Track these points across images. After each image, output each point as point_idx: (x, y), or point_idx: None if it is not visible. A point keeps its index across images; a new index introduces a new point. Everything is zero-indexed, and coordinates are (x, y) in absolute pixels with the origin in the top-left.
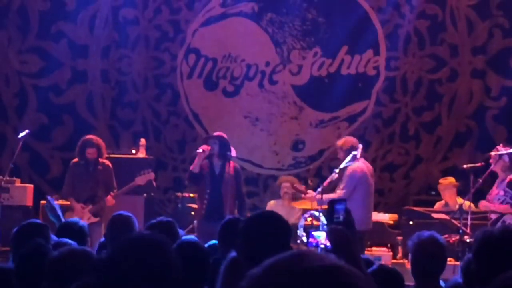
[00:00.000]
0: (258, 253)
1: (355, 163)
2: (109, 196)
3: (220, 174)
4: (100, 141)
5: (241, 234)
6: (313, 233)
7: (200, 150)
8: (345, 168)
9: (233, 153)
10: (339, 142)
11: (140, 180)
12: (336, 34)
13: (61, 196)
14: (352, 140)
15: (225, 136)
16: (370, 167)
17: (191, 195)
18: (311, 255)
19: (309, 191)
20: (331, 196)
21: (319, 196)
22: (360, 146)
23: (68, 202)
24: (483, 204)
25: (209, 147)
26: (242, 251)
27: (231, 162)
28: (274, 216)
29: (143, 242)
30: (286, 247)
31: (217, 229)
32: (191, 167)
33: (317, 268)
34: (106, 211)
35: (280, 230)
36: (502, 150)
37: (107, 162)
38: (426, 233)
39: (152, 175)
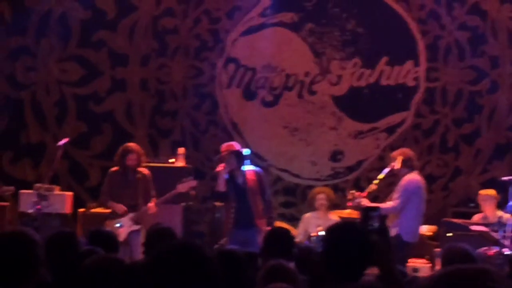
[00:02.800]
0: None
1: (411, 174)
2: (151, 204)
3: (243, 183)
4: (140, 148)
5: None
6: None
7: (218, 169)
8: (389, 178)
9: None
10: (395, 153)
11: (182, 187)
12: (376, 44)
13: (100, 203)
14: (404, 151)
15: (235, 147)
16: (424, 180)
17: None
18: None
19: (363, 199)
20: (382, 206)
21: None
22: (400, 157)
23: (108, 210)
24: None
25: (225, 165)
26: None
27: (250, 167)
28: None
29: (181, 249)
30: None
31: (249, 236)
32: (216, 188)
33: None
34: (147, 219)
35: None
36: None
37: (146, 171)
38: (457, 244)
39: (194, 183)
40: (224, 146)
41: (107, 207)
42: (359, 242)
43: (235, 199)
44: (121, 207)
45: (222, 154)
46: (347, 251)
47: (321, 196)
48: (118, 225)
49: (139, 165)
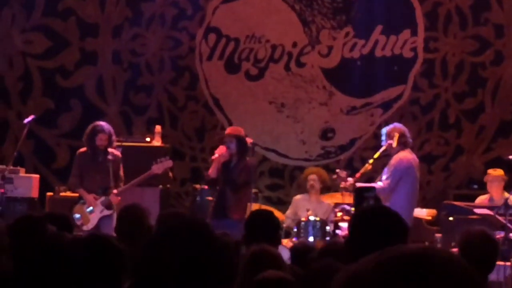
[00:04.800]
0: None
1: (402, 152)
2: (114, 191)
3: (233, 171)
4: (110, 127)
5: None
6: (340, 224)
7: (216, 155)
8: (384, 157)
9: (250, 140)
10: (387, 129)
11: (157, 168)
12: (370, 12)
13: (69, 188)
14: (399, 127)
15: (240, 130)
16: (417, 158)
17: None
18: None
19: (349, 178)
20: (372, 186)
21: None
22: (396, 134)
23: (77, 194)
24: None
25: (226, 150)
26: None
27: (248, 159)
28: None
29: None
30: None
31: (222, 228)
32: (208, 172)
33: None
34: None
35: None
36: None
37: (117, 152)
38: (476, 228)
39: (170, 163)
40: (230, 128)
41: (76, 193)
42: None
43: (221, 184)
44: (91, 199)
45: (225, 134)
46: (377, 238)
47: (313, 177)
48: (88, 210)
49: (110, 146)
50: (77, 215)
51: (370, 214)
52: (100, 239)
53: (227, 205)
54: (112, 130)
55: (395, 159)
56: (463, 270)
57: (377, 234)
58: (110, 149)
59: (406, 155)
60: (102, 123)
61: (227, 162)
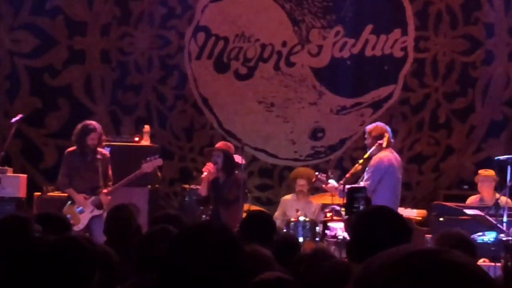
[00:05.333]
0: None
1: (382, 152)
2: (105, 191)
3: (222, 188)
4: (100, 127)
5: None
6: (330, 224)
7: (205, 173)
8: (369, 158)
9: (239, 160)
10: (369, 128)
11: (147, 166)
12: (360, 11)
13: (57, 188)
14: (383, 127)
15: (230, 146)
16: (399, 158)
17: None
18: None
19: (330, 181)
20: (363, 186)
21: (341, 187)
22: (386, 134)
23: (66, 194)
24: None
25: (213, 167)
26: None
27: (237, 173)
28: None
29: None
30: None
31: None
32: (199, 190)
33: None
34: (109, 203)
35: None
36: None
37: (105, 151)
38: (452, 230)
39: (159, 161)
40: (219, 143)
41: (65, 193)
42: (391, 228)
43: (213, 202)
44: (81, 199)
45: (213, 148)
46: (379, 239)
47: (302, 182)
48: (78, 210)
49: (99, 145)
50: (67, 215)
51: (374, 215)
52: (68, 239)
53: (222, 223)
54: (102, 129)
55: (375, 159)
56: (473, 270)
57: (381, 235)
58: (99, 149)
59: (387, 155)
60: (93, 122)
61: (216, 179)
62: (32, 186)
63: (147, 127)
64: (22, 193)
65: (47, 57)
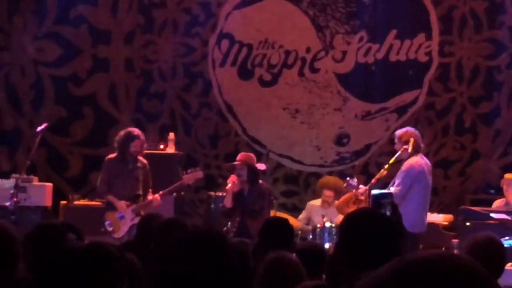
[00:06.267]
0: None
1: (413, 158)
2: (157, 195)
3: (247, 199)
4: (144, 135)
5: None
6: None
7: (229, 185)
8: (398, 163)
9: (262, 167)
10: (398, 133)
11: (188, 179)
12: (384, 16)
13: (97, 194)
14: (412, 132)
15: (251, 157)
16: (429, 163)
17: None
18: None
19: (361, 186)
20: (390, 192)
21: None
22: (412, 139)
23: (103, 201)
24: None
25: (237, 179)
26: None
27: (261, 183)
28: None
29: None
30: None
31: None
32: (224, 202)
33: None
34: (149, 211)
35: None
36: None
37: (145, 160)
38: (482, 234)
39: (200, 174)
40: (241, 155)
41: (105, 199)
42: (379, 230)
43: (239, 214)
44: (122, 205)
45: (235, 162)
46: (366, 240)
47: (329, 193)
48: (119, 216)
49: (141, 153)
50: (108, 222)
51: (360, 219)
52: (96, 247)
53: (250, 233)
54: (144, 137)
55: (406, 165)
56: (481, 276)
57: (366, 239)
58: (139, 157)
59: (418, 161)
60: (136, 129)
61: (241, 191)
62: (57, 194)
63: (171, 135)
64: (47, 202)
65: (71, 66)
